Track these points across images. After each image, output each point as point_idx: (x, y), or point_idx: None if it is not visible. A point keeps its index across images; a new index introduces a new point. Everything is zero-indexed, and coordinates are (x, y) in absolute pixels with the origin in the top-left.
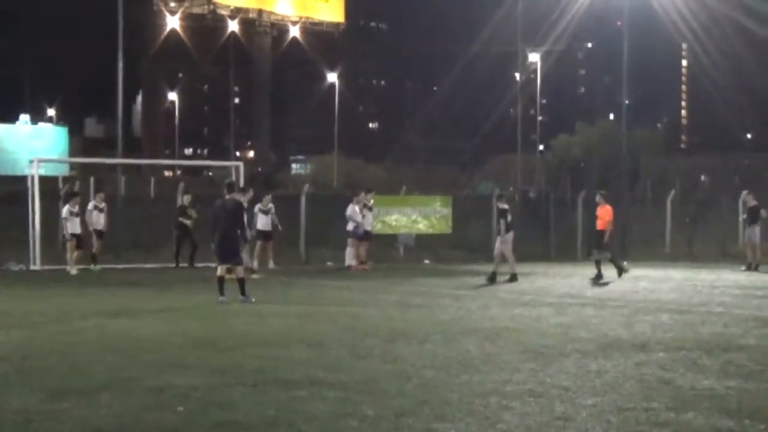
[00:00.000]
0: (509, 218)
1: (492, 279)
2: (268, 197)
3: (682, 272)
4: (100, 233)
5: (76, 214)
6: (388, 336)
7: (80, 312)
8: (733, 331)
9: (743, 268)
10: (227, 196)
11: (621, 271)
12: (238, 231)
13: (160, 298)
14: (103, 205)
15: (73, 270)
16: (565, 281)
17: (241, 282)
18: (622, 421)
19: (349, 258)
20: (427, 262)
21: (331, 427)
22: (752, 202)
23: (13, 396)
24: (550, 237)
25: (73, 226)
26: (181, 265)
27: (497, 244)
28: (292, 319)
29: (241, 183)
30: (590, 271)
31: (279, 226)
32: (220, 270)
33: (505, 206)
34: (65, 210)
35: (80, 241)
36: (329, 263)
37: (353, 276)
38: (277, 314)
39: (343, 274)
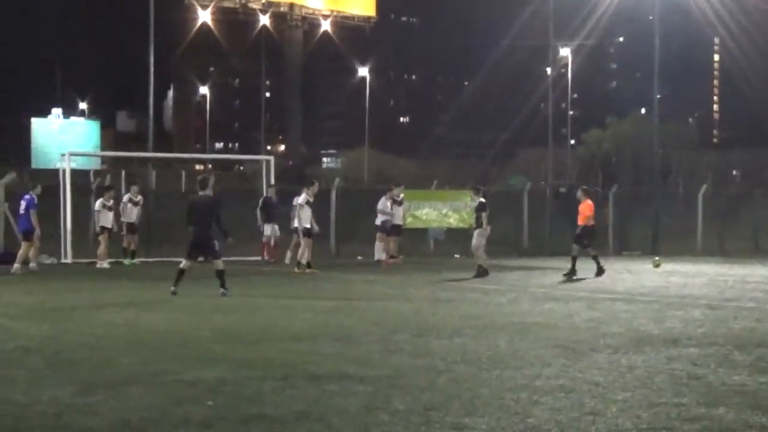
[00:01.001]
0: (487, 212)
1: (483, 273)
2: (315, 187)
3: (713, 267)
4: (132, 227)
5: (109, 208)
6: (418, 330)
7: (110, 306)
8: (766, 327)
9: None
10: (201, 192)
11: (601, 270)
12: (213, 225)
13: (190, 291)
14: (138, 198)
15: (105, 264)
16: (596, 276)
17: (221, 275)
18: (653, 416)
19: (379, 252)
20: (457, 256)
21: (362, 422)
22: None
23: (44, 389)
24: None
25: (105, 220)
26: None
27: (474, 237)
28: (322, 313)
29: (272, 177)
30: (620, 265)
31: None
32: (185, 263)
33: (483, 200)
34: (98, 203)
35: (111, 234)
36: (359, 258)
37: (383, 270)
38: (307, 308)
39: (372, 268)
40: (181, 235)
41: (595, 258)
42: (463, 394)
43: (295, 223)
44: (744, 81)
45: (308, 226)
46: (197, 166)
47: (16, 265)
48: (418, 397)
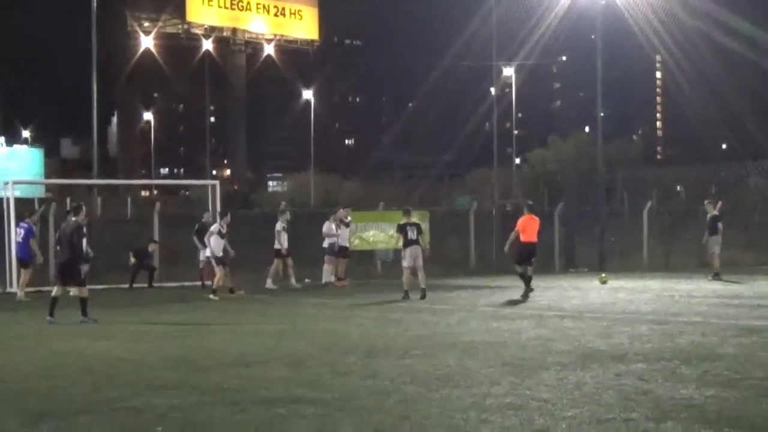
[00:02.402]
0: (402, 234)
1: (422, 294)
2: (286, 215)
3: (659, 283)
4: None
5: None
6: (367, 352)
7: (57, 334)
8: (711, 341)
9: (709, 277)
10: (72, 219)
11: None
12: (78, 253)
13: (137, 318)
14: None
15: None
16: (543, 294)
17: (84, 302)
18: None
19: (327, 275)
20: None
21: None
22: (712, 212)
23: None
24: None
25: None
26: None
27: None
28: (271, 337)
29: (218, 203)
30: (567, 283)
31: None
32: (56, 290)
33: (404, 221)
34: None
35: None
36: (307, 280)
37: (331, 293)
38: (256, 332)
39: (321, 291)
40: (126, 260)
41: (526, 278)
42: (412, 414)
43: (207, 252)
44: (685, 98)
45: (221, 254)
46: (143, 192)
47: (19, 293)
48: (368, 419)
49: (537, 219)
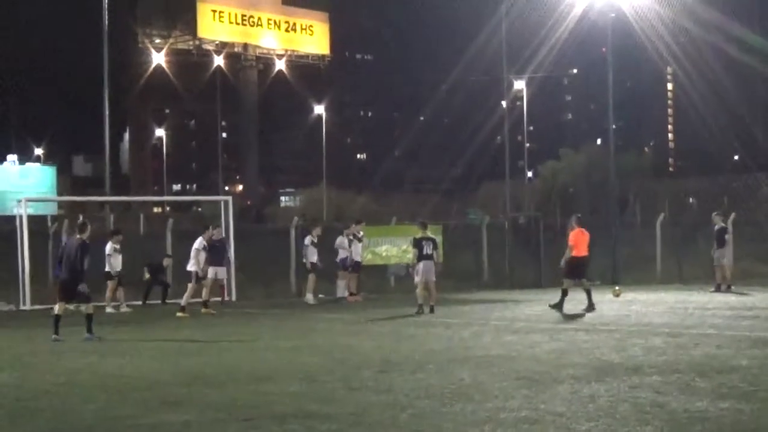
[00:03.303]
0: (424, 248)
1: (430, 310)
2: (318, 230)
3: (673, 295)
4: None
5: (119, 251)
6: (381, 367)
7: (71, 351)
8: (726, 353)
9: (712, 289)
10: (77, 236)
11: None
12: (81, 270)
13: (150, 335)
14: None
15: (112, 308)
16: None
17: (89, 319)
18: None
19: (341, 290)
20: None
21: None
22: (719, 224)
23: None
24: (540, 263)
25: (116, 264)
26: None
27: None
28: (285, 352)
29: (231, 218)
30: (580, 295)
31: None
32: (59, 308)
33: (417, 236)
34: (109, 247)
35: (121, 278)
36: (321, 296)
37: (345, 308)
38: (269, 348)
39: (334, 306)
40: (138, 276)
41: (564, 292)
42: (426, 429)
43: (190, 267)
44: (696, 111)
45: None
46: (155, 209)
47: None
48: None
49: (587, 233)
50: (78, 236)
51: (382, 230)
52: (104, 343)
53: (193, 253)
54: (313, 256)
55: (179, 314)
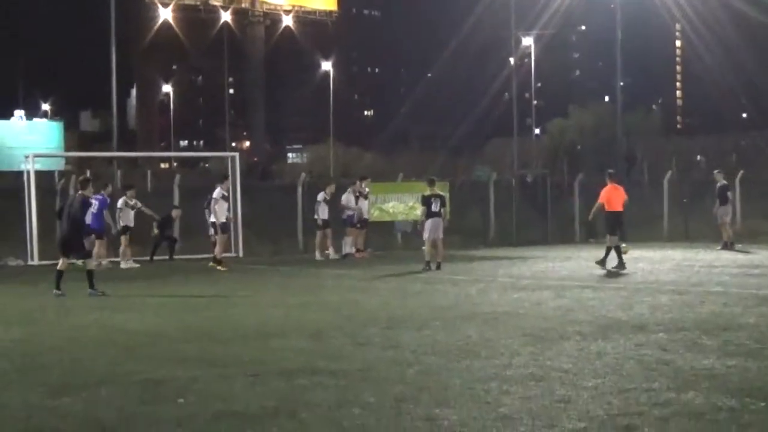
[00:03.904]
0: (432, 205)
1: (437, 266)
2: (332, 187)
3: (680, 253)
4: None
5: (132, 207)
6: (388, 323)
7: (79, 307)
8: (733, 311)
9: (718, 247)
10: (79, 192)
11: (613, 261)
12: (81, 226)
13: (158, 291)
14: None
15: (130, 263)
16: (564, 264)
17: (90, 274)
18: (623, 402)
19: (348, 246)
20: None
21: (333, 416)
22: (721, 182)
23: (14, 393)
24: (547, 221)
25: (127, 218)
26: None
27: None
28: (292, 308)
29: (238, 174)
30: (587, 253)
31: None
32: (61, 263)
33: (425, 194)
34: (121, 201)
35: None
36: (327, 252)
37: (352, 264)
38: (277, 304)
39: (341, 262)
40: (146, 234)
41: (608, 249)
42: (433, 385)
43: (212, 218)
44: (705, 68)
45: (224, 221)
46: (162, 165)
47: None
48: (389, 390)
49: (621, 188)
50: (80, 192)
51: (389, 187)
52: (111, 299)
53: (211, 204)
54: (324, 212)
55: (219, 267)
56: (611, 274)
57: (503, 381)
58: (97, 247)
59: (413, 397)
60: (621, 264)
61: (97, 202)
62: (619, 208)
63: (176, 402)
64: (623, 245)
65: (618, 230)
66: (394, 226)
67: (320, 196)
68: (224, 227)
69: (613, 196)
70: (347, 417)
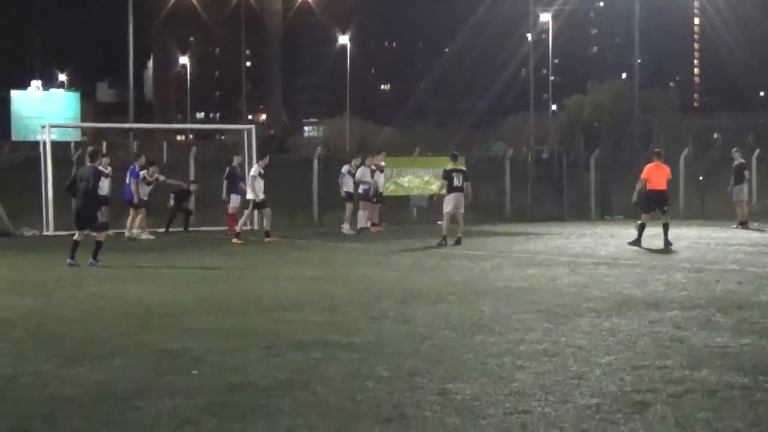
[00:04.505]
0: (454, 179)
1: (457, 241)
2: (358, 160)
3: (696, 230)
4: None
5: (149, 183)
6: (402, 297)
7: (94, 278)
8: (748, 289)
9: (734, 225)
10: (88, 164)
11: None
12: (95, 198)
13: (173, 262)
14: (108, 170)
15: (144, 235)
16: (579, 241)
17: (98, 245)
18: (636, 378)
19: (363, 221)
20: (440, 223)
21: (346, 389)
22: (739, 160)
23: (29, 362)
24: (563, 197)
25: (144, 193)
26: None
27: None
28: (306, 282)
29: (254, 147)
30: (602, 230)
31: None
32: (78, 234)
33: (448, 168)
34: (140, 175)
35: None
36: (342, 226)
37: (366, 239)
38: (291, 278)
39: (356, 236)
40: (161, 206)
41: (641, 228)
42: (447, 360)
43: (250, 195)
44: (723, 45)
45: (263, 197)
46: (178, 136)
47: (135, 231)
48: (403, 364)
49: (665, 166)
50: (90, 164)
51: (404, 161)
52: (127, 269)
53: (249, 180)
54: (349, 185)
55: (235, 240)
56: (632, 251)
57: (517, 356)
58: (137, 219)
59: (426, 371)
60: (637, 241)
61: (129, 173)
62: (661, 187)
63: (190, 373)
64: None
65: (656, 209)
66: (409, 200)
67: (344, 169)
68: (263, 203)
69: (654, 174)
70: (360, 390)
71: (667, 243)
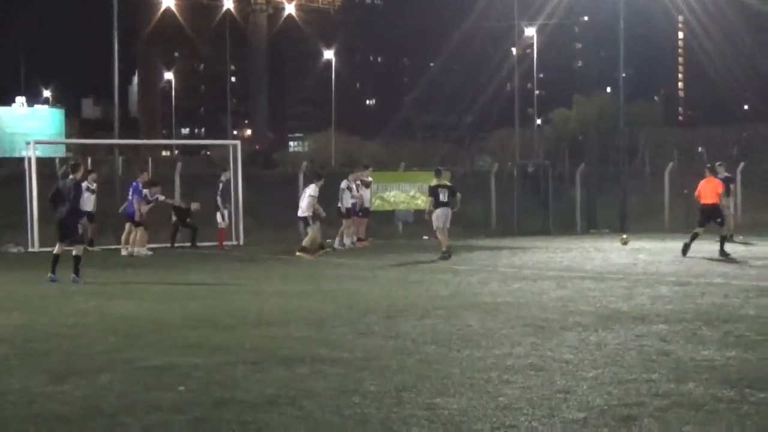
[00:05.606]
0: (439, 195)
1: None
2: (355, 175)
3: (681, 244)
4: (89, 215)
5: (148, 201)
6: (389, 312)
7: (80, 294)
8: (733, 302)
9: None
10: (70, 176)
11: (684, 249)
12: (75, 211)
13: (159, 278)
14: (94, 186)
15: (143, 251)
16: (565, 255)
17: (77, 261)
18: (623, 392)
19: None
20: (425, 238)
21: (333, 404)
22: (723, 174)
23: (15, 378)
24: (549, 211)
25: (143, 210)
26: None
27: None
28: (292, 297)
29: (239, 163)
30: (588, 244)
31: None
32: (57, 248)
33: (432, 184)
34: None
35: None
36: (328, 241)
37: (352, 253)
38: (277, 293)
39: (342, 251)
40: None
41: (693, 237)
42: (434, 374)
43: (302, 213)
44: (707, 59)
45: (312, 214)
46: (164, 152)
47: (136, 249)
48: (390, 379)
49: (715, 180)
50: (71, 176)
51: (390, 176)
52: (112, 286)
53: (308, 200)
54: (347, 200)
55: (305, 256)
56: (618, 265)
57: (503, 371)
58: (138, 234)
59: (414, 386)
60: (685, 249)
61: (131, 189)
62: (710, 201)
63: (177, 389)
64: (624, 236)
65: (706, 222)
66: (394, 215)
67: (343, 184)
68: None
69: (705, 189)
70: (348, 405)
71: (723, 254)
